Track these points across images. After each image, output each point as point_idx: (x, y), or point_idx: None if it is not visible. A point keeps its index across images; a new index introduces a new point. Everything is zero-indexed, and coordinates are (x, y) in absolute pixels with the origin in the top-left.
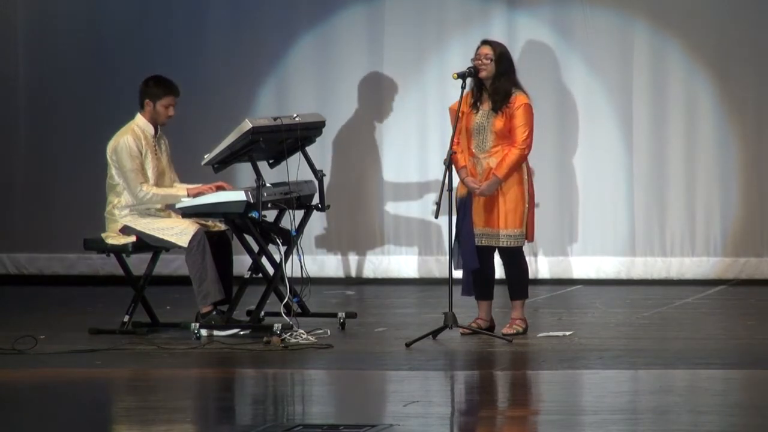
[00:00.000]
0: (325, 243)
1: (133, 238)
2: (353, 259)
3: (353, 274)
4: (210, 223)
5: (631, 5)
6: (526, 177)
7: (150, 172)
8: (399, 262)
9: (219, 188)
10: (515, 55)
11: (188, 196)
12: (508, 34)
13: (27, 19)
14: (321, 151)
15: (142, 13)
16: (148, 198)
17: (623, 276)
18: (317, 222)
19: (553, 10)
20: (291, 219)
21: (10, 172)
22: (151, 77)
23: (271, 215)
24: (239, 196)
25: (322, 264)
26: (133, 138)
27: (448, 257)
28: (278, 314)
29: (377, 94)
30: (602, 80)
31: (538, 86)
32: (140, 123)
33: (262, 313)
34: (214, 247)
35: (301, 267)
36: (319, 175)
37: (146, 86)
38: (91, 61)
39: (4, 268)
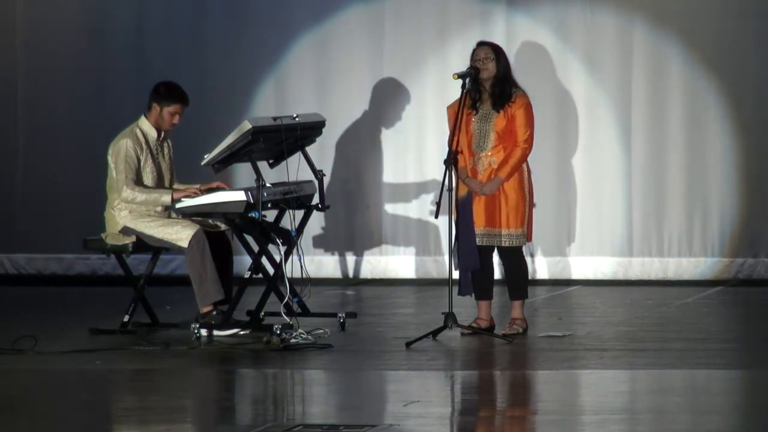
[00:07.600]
0: (323, 243)
1: (133, 238)
2: (351, 259)
3: (351, 274)
4: (210, 222)
5: (631, 5)
6: (526, 176)
7: (148, 176)
8: (397, 263)
9: (218, 188)
10: (514, 56)
11: (172, 200)
12: (507, 35)
13: (26, 20)
14: (319, 151)
15: (142, 15)
16: (131, 199)
17: (620, 276)
18: (314, 222)
19: (553, 10)
20: (291, 219)
21: (8, 173)
22: (163, 82)
23: (271, 215)
24: (239, 196)
25: (320, 264)
26: (132, 141)
27: (447, 257)
28: (278, 314)
29: (376, 95)
30: (601, 81)
31: (538, 87)
32: (144, 126)
33: (262, 313)
34: (214, 247)
35: (302, 267)
36: (319, 175)
37: (157, 90)
38: (91, 62)
39: (2, 268)
